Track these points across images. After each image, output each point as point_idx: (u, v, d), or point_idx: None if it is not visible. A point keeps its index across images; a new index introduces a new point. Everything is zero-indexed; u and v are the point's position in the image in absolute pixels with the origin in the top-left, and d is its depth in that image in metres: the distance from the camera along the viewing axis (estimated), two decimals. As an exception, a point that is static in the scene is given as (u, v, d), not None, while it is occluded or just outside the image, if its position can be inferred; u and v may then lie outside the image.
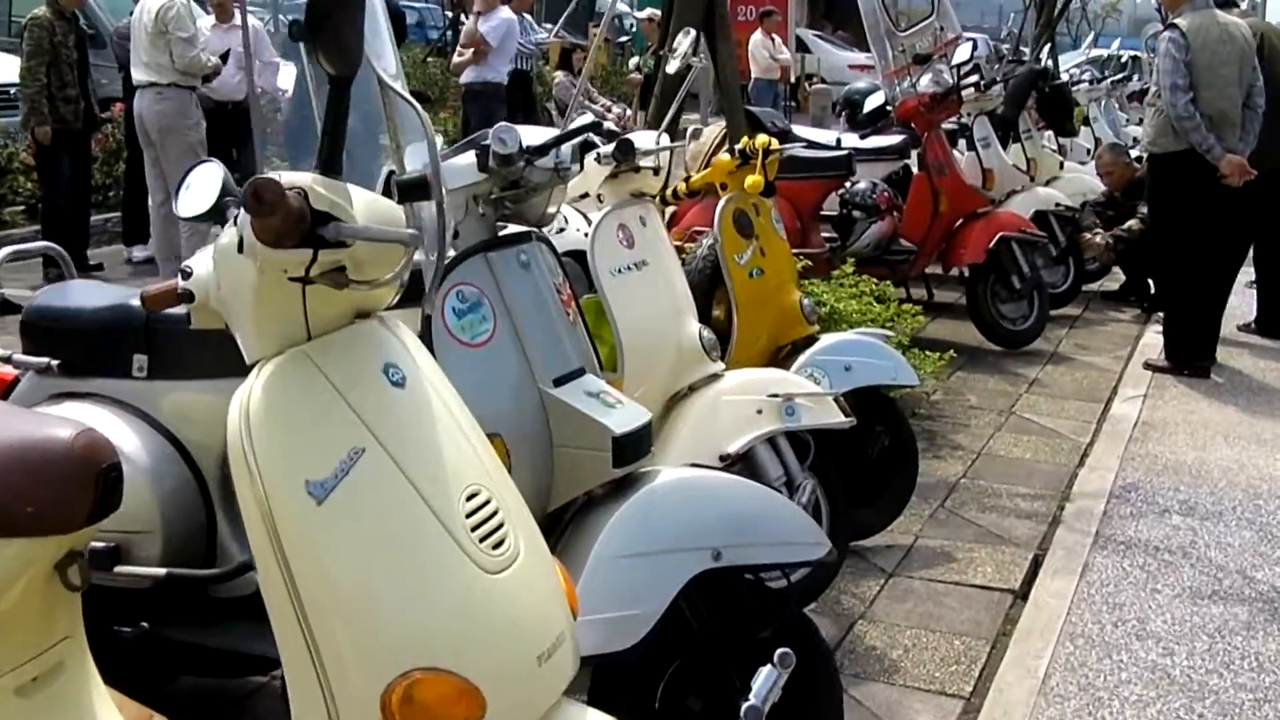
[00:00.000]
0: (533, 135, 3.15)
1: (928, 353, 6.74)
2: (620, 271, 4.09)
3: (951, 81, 8.25)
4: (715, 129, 8.48)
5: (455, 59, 11.57)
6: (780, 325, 5.01)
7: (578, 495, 3.14)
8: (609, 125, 15.50)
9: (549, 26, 26.99)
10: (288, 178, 2.02)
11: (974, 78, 9.10)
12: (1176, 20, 7.68)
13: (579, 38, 27.23)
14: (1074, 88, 12.73)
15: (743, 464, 4.16)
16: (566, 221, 4.75)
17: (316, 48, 1.94)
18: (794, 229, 7.94)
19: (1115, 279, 10.28)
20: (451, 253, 3.06)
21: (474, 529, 2.19)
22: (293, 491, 2.05)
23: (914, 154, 8.72)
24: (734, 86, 6.53)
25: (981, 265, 8.14)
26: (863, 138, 8.80)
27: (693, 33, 5.15)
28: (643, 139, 4.34)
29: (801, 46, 26.34)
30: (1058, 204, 9.41)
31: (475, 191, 3.18)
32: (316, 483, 2.06)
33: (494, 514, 2.24)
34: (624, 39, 32.39)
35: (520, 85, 15.58)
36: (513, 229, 3.30)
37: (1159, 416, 7.03)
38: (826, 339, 4.99)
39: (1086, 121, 12.97)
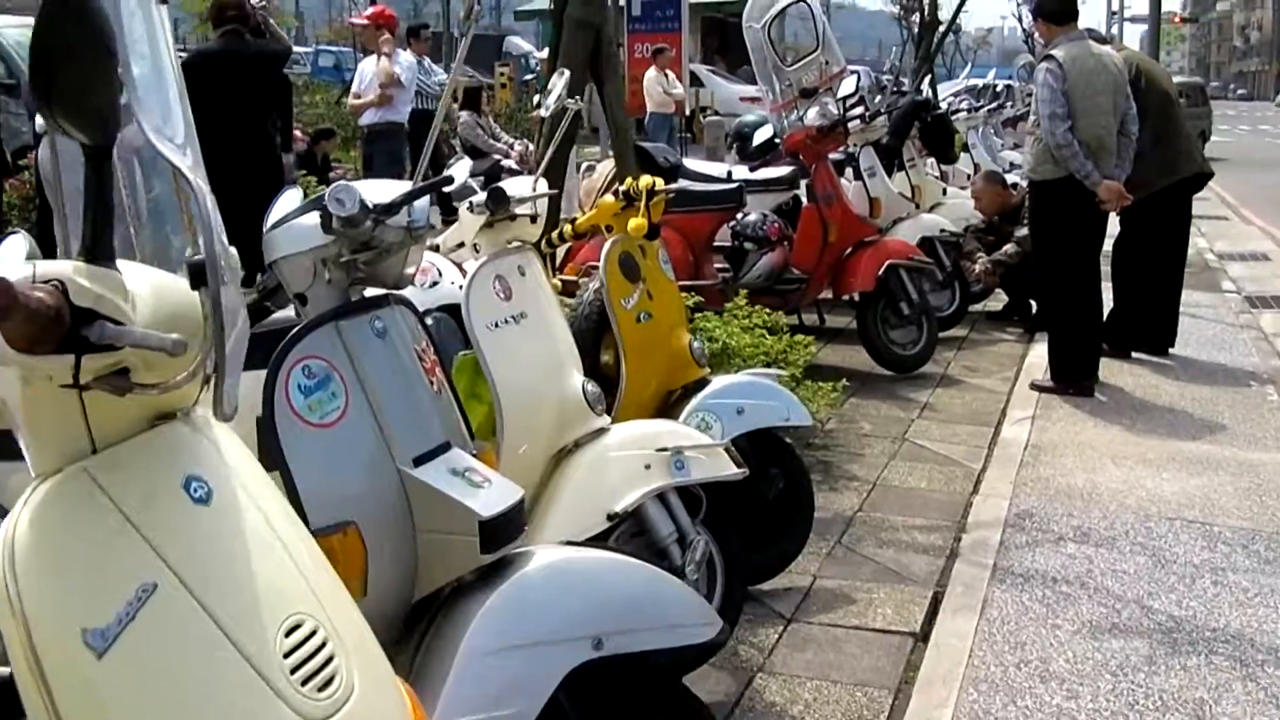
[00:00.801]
0: (379, 192, 2.71)
1: (820, 384, 6.37)
2: (497, 325, 3.64)
3: (837, 114, 7.89)
4: (608, 164, 8.07)
5: (352, 100, 11.04)
6: (671, 370, 4.60)
7: (447, 582, 2.69)
8: (510, 164, 15.12)
9: (465, 69, 26.51)
10: (43, 268, 1.57)
11: (859, 110, 8.77)
12: (1053, 51, 7.38)
13: (486, 77, 26.80)
14: (953, 116, 12.47)
15: (632, 522, 3.75)
16: (440, 275, 4.29)
17: (53, 112, 1.49)
18: (687, 262, 7.57)
19: (999, 300, 9.99)
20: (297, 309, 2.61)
21: (294, 669, 1.74)
22: (67, 643, 1.59)
23: (803, 184, 8.35)
24: (623, 125, 6.11)
25: (871, 293, 7.78)
26: (752, 170, 8.42)
27: (567, 74, 4.72)
28: (517, 185, 3.92)
29: (695, 80, 26.03)
30: (942, 230, 9.10)
31: (322, 255, 2.72)
32: (96, 631, 1.60)
33: (321, 647, 1.79)
34: (528, 77, 32.01)
35: (425, 124, 15.08)
36: (370, 292, 2.85)
37: (1048, 439, 6.69)
38: (718, 382, 4.59)
39: (966, 148, 12.71)
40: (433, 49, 29.18)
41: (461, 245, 4.25)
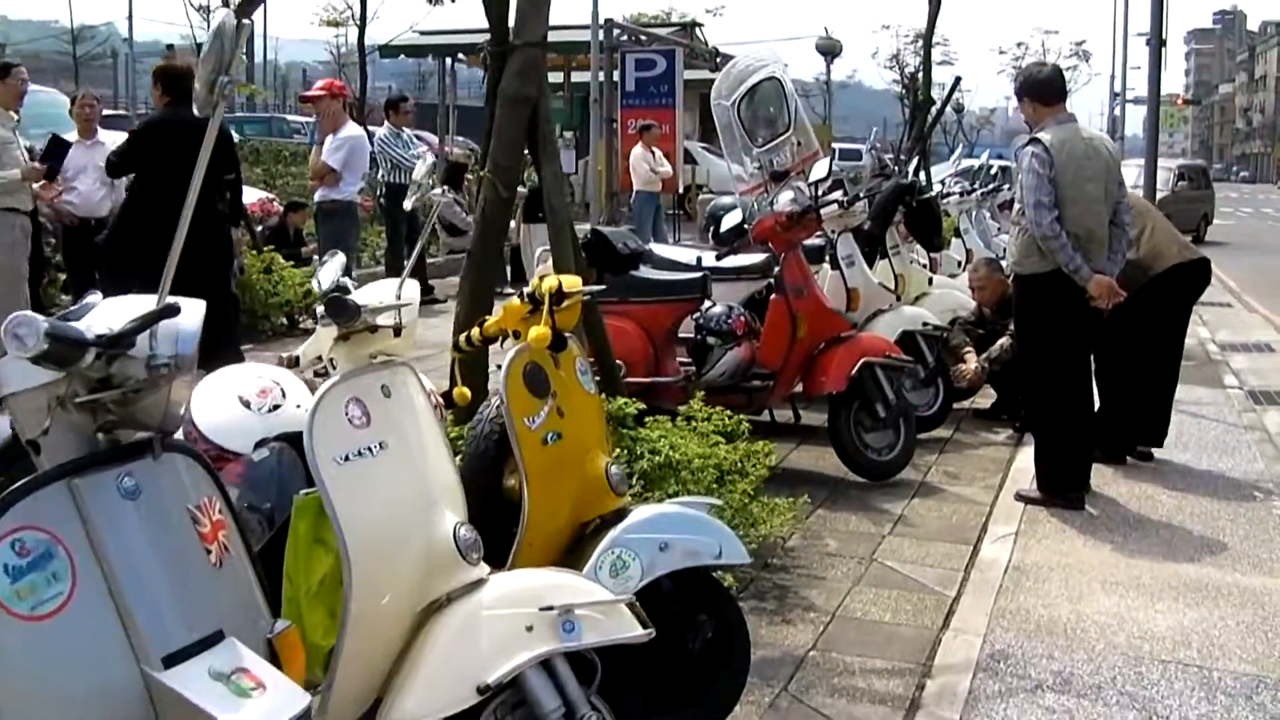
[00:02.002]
0: (114, 315, 2.08)
1: (779, 500, 5.73)
2: (348, 459, 3.00)
3: (809, 199, 7.28)
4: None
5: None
6: (584, 498, 3.96)
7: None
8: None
9: (460, 139, 26.14)
10: None
11: (838, 194, 8.18)
12: (1040, 134, 6.80)
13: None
14: (944, 199, 11.89)
15: (512, 691, 3.09)
16: (284, 395, 3.64)
17: None
18: (646, 356, 6.99)
19: (987, 395, 9.32)
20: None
21: None
22: None
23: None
24: (563, 217, 5.50)
25: (844, 394, 7.14)
26: (719, 258, 7.81)
27: (430, 159, 4.13)
28: (377, 291, 3.30)
29: (690, 158, 25.57)
30: (925, 323, 8.47)
31: (55, 393, 2.09)
32: None
33: None
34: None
35: (401, 200, 14.53)
36: (137, 435, 2.22)
37: (1031, 560, 6.03)
38: (640, 512, 3.94)
39: (958, 233, 12.11)
40: (422, 120, 28.87)
41: (319, 361, 3.62)
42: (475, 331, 4.13)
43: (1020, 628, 5.20)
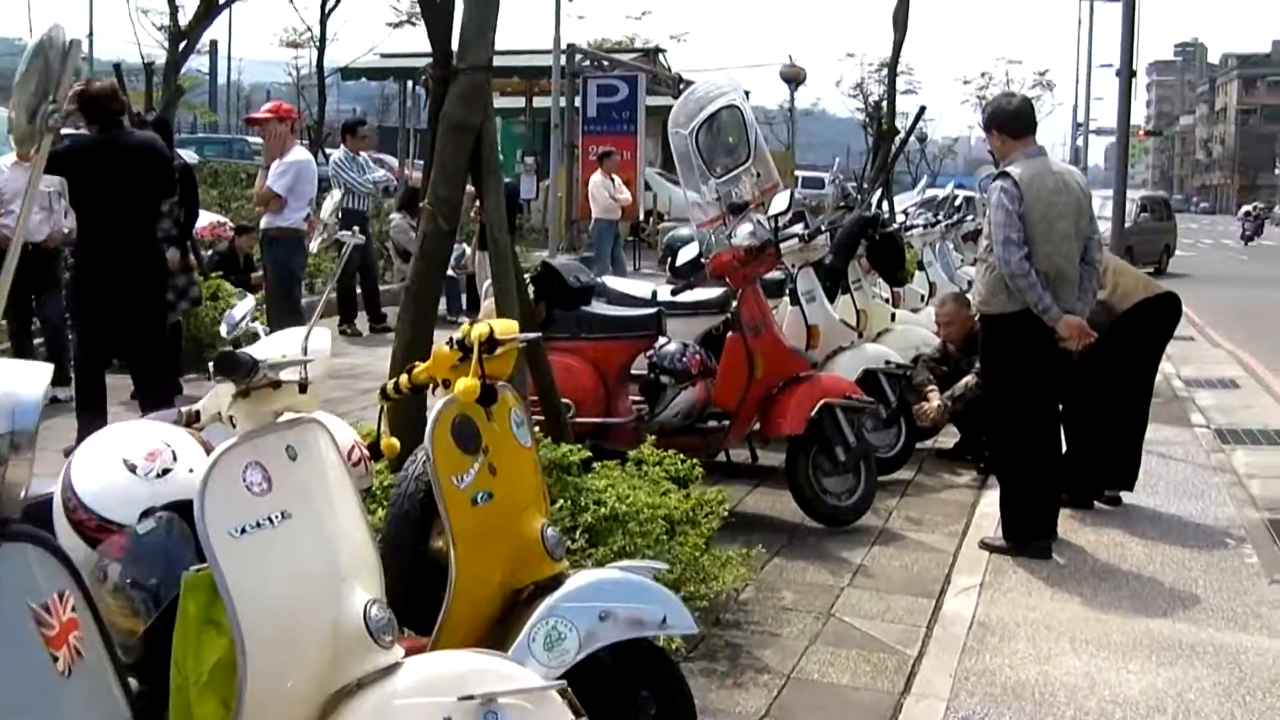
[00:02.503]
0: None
1: (732, 553, 5.44)
2: (245, 530, 2.69)
3: (768, 233, 7.00)
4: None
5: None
6: (517, 562, 3.64)
7: None
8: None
9: (381, 158, 25.77)
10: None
11: (798, 228, 7.91)
12: (1009, 169, 6.54)
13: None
14: (907, 231, 11.63)
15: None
16: (175, 458, 3.29)
17: None
18: (597, 396, 6.68)
19: (951, 434, 9.04)
20: None
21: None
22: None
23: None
24: (504, 245, 5.19)
25: (802, 436, 6.85)
26: (675, 292, 7.51)
27: (336, 195, 3.82)
28: (282, 342, 2.99)
29: (647, 185, 25.29)
30: (888, 361, 8.20)
31: None
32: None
33: None
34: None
35: (357, 225, 14.21)
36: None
37: (996, 615, 5.75)
38: (578, 579, 3.63)
39: (921, 266, 11.85)
40: (384, 144, 28.51)
41: (218, 418, 3.29)
42: (404, 378, 3.81)
43: (986, 691, 4.92)
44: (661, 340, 7.06)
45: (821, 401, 6.79)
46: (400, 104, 31.28)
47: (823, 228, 8.05)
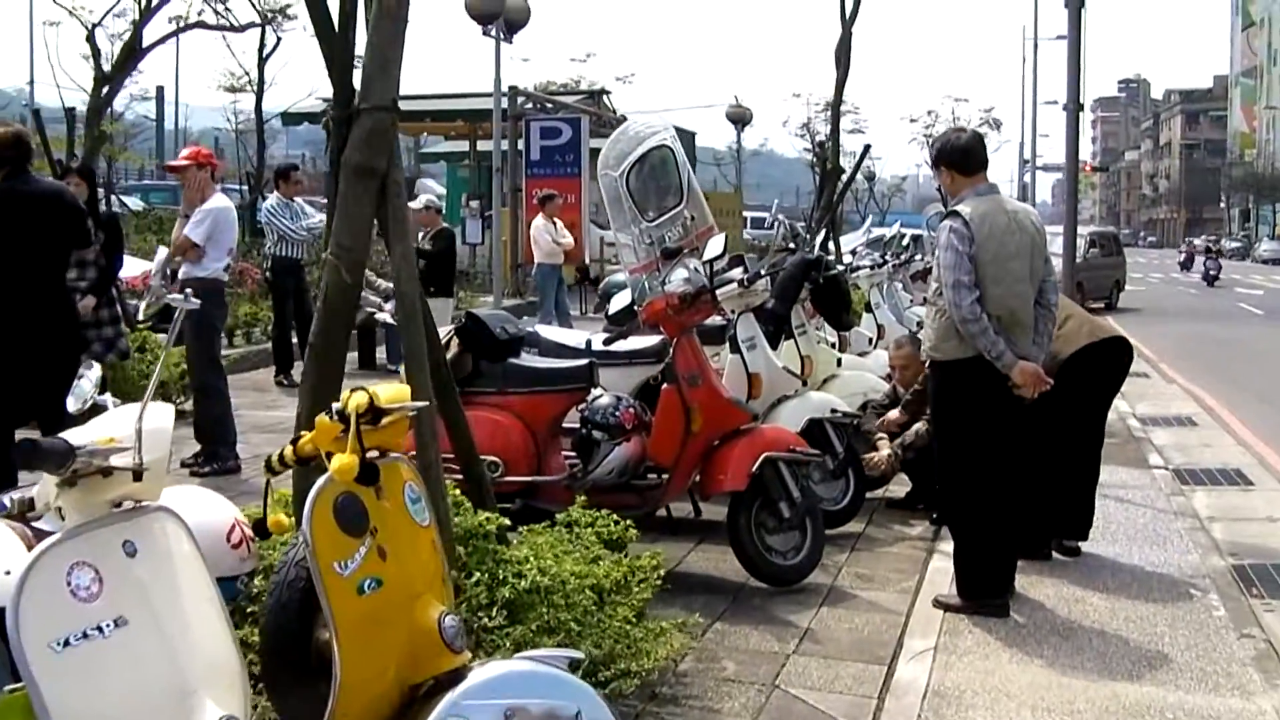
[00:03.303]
0: None
1: (666, 623, 5.05)
2: (69, 643, 2.30)
3: (704, 278, 6.64)
4: (440, 334, 6.80)
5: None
6: (412, 655, 3.25)
7: None
8: (385, 316, 13.81)
9: (314, 200, 25.34)
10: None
11: (737, 272, 7.56)
12: (959, 207, 6.22)
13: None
14: (853, 273, 11.34)
15: None
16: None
17: None
18: (528, 451, 6.30)
19: (902, 483, 8.70)
20: None
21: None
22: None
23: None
24: (411, 300, 4.80)
25: (744, 492, 6.48)
26: (608, 341, 7.14)
27: (162, 254, 3.45)
28: (111, 423, 2.59)
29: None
30: (834, 410, 7.84)
31: None
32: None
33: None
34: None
35: (291, 273, 13.81)
36: None
37: (952, 681, 5.39)
38: (482, 672, 3.24)
39: (869, 308, 11.54)
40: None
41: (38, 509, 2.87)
42: (288, 449, 3.42)
43: (942, 771, 4.55)
44: (594, 393, 6.69)
45: (763, 455, 6.42)
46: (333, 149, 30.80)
47: (763, 272, 7.70)
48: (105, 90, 12.29)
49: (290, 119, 30.42)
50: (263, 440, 10.19)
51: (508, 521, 4.97)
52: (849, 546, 7.53)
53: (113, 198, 24.99)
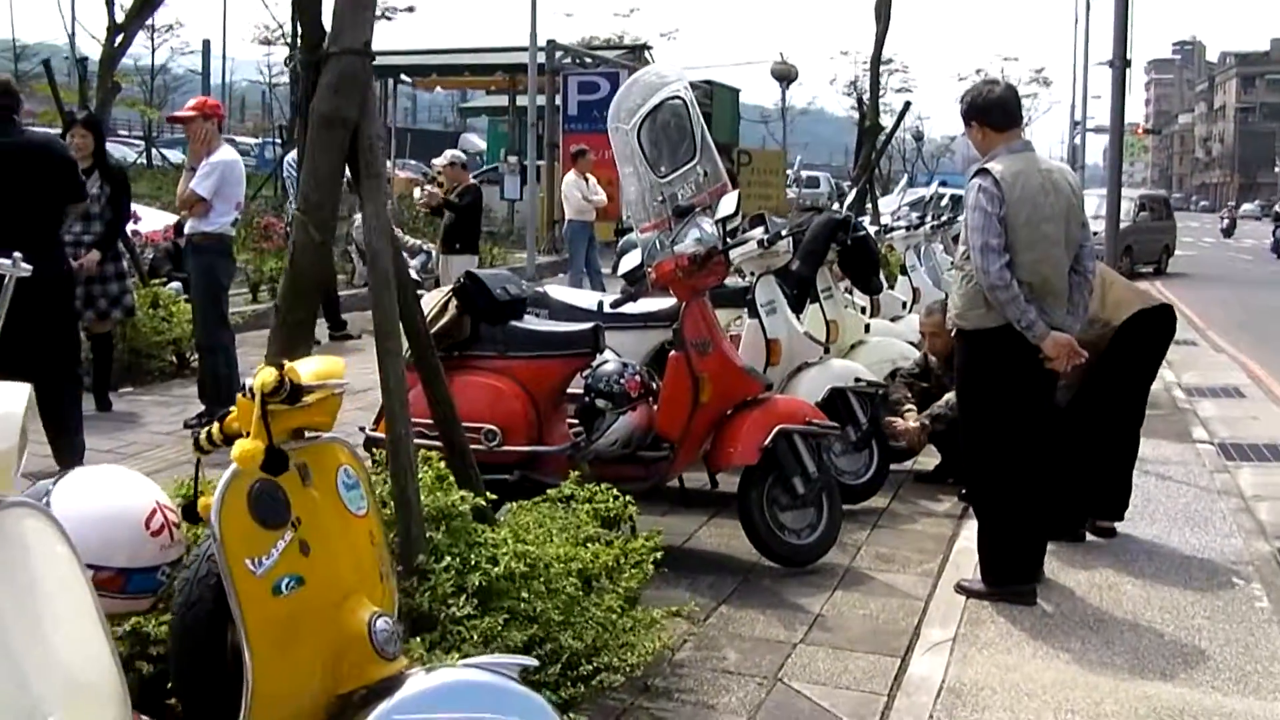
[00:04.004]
0: None
1: (658, 612, 4.66)
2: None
3: (715, 239, 6.20)
4: (438, 295, 6.43)
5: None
6: (341, 662, 2.87)
7: None
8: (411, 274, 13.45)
9: (412, 163, 25.00)
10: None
11: (758, 231, 7.13)
12: (989, 165, 5.74)
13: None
14: (889, 234, 10.85)
15: None
16: None
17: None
18: (528, 420, 5.92)
19: (932, 454, 8.25)
20: None
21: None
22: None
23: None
24: (384, 262, 4.38)
25: (756, 466, 6.06)
26: (617, 303, 6.71)
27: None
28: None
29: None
30: (858, 379, 7.40)
31: None
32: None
33: None
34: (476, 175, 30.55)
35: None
36: None
37: (970, 677, 4.97)
38: (419, 682, 2.86)
39: (904, 270, 11.05)
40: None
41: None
42: (215, 428, 3.04)
43: (952, 781, 4.14)
44: (600, 359, 6.28)
45: (777, 428, 6.00)
46: (381, 102, 30.45)
47: (782, 233, 7.23)
48: (119, 39, 11.91)
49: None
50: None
51: (484, 502, 4.57)
52: (871, 524, 7.11)
53: (125, 150, 24.73)
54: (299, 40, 4.60)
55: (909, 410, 7.67)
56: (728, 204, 6.09)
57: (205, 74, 67.07)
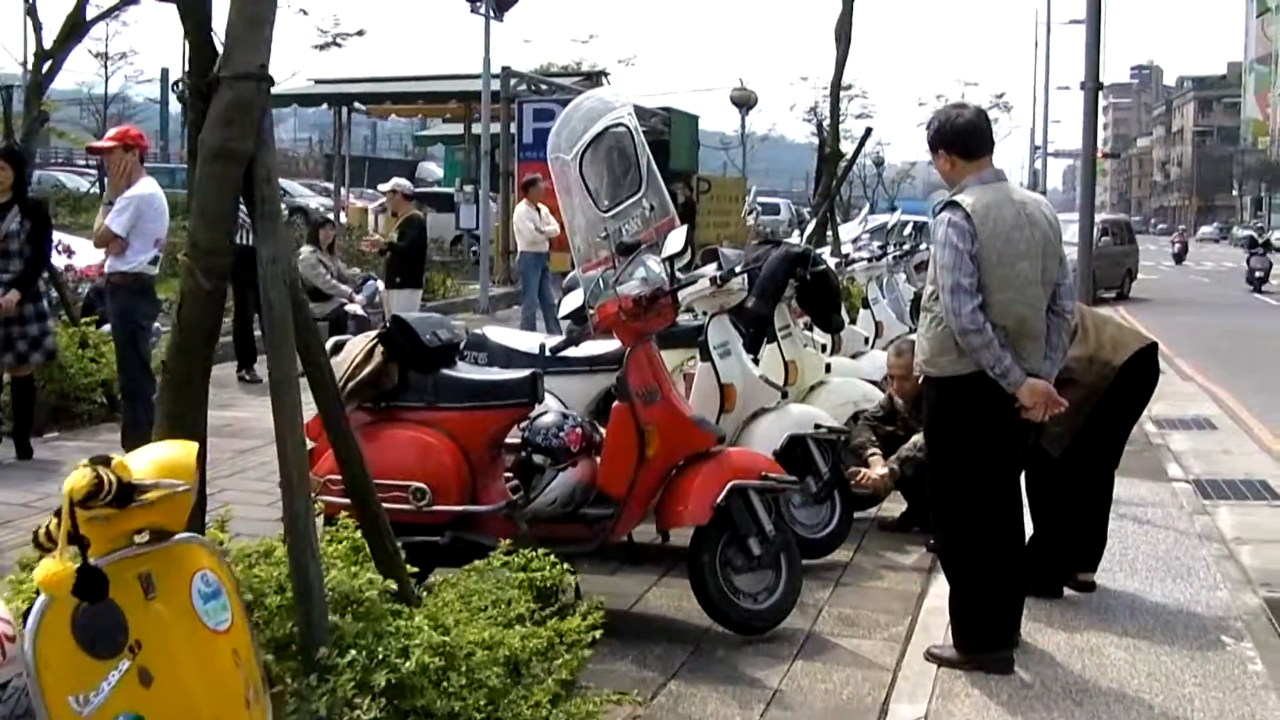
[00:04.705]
0: None
1: (595, 697, 4.18)
2: None
3: (662, 278, 5.72)
4: (360, 342, 5.93)
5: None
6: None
7: None
8: (355, 308, 12.95)
9: (327, 187, 24.43)
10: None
11: (710, 268, 6.67)
12: (959, 197, 5.28)
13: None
14: (849, 266, 10.42)
15: None
16: None
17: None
18: (461, 477, 5.43)
19: (897, 499, 7.78)
20: None
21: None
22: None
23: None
24: (281, 312, 3.88)
25: (707, 526, 5.58)
26: (555, 350, 6.23)
27: None
28: None
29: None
30: (818, 425, 6.93)
31: None
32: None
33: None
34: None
35: (253, 263, 12.83)
36: None
37: (944, 763, 4.49)
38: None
39: (866, 303, 10.61)
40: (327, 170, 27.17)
41: None
42: (54, 522, 2.53)
43: None
44: (539, 409, 5.79)
45: (730, 484, 5.51)
46: (335, 131, 29.89)
47: (736, 270, 6.76)
48: (47, 66, 11.38)
49: (279, 101, 29.43)
50: (214, 444, 9.32)
51: (398, 582, 4.06)
52: (833, 581, 6.63)
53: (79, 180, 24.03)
54: (188, 64, 4.06)
55: (874, 455, 7.21)
56: (675, 241, 5.60)
57: (164, 102, 66.31)
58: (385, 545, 4.30)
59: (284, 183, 39.69)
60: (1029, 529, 6.00)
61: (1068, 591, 6.41)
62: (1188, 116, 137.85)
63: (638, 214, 5.94)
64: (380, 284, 14.33)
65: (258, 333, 12.93)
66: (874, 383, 8.34)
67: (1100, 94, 11.91)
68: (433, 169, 41.42)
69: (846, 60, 13.29)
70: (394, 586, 3.96)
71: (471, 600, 4.39)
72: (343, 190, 27.90)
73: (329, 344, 6.17)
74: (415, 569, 4.53)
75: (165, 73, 64.60)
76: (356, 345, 5.83)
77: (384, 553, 4.27)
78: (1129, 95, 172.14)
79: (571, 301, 7.09)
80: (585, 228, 5.95)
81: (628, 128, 6.00)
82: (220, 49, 3.92)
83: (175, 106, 67.24)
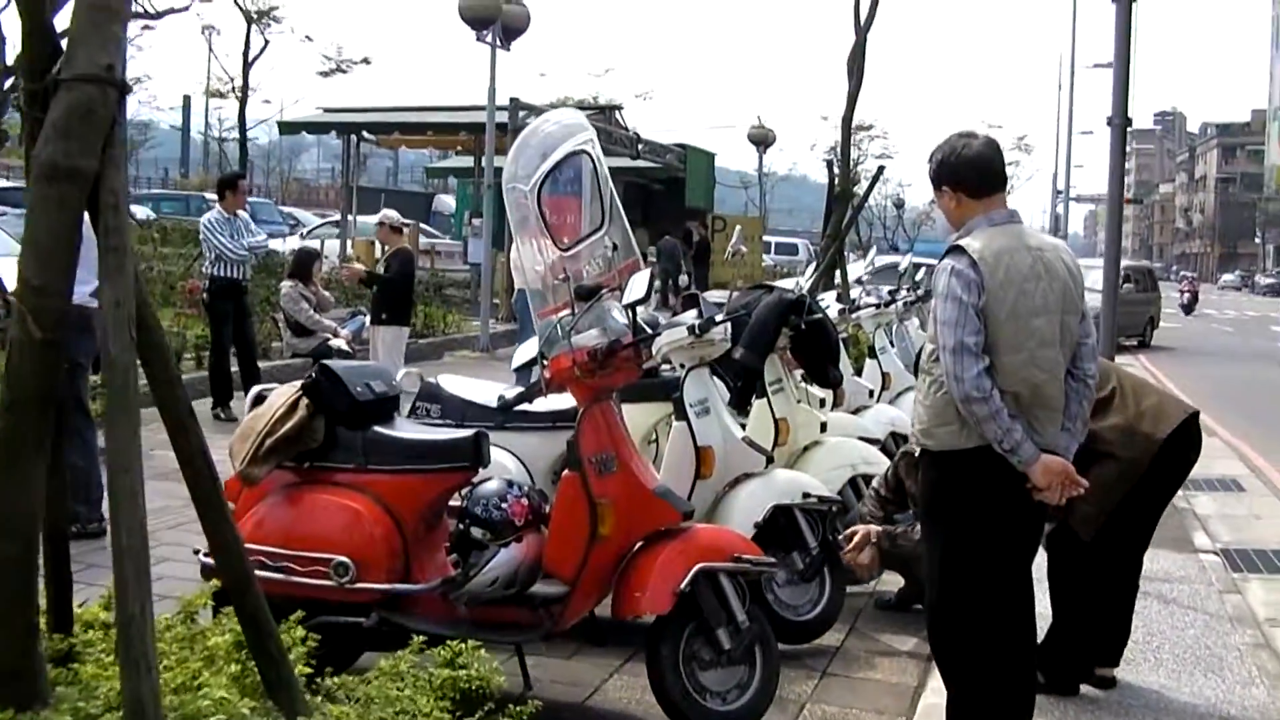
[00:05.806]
0: None
1: None
2: None
3: (624, 328, 4.97)
4: (286, 391, 5.21)
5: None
6: None
7: None
8: (339, 344, 12.23)
9: (325, 213, 23.84)
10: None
11: (689, 315, 5.94)
12: (964, 242, 4.50)
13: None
14: (854, 313, 9.67)
15: None
16: None
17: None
18: (390, 550, 4.70)
19: (894, 579, 7.00)
20: None
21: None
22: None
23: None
24: (122, 371, 3.14)
25: (669, 616, 4.81)
26: (518, 400, 5.51)
27: None
28: None
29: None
30: (807, 494, 6.14)
31: None
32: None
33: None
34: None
35: (230, 295, 12.21)
36: None
37: None
38: None
39: (873, 352, 9.83)
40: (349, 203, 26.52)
41: None
42: None
43: None
44: (481, 474, 5.04)
45: (697, 567, 4.74)
46: (344, 159, 29.31)
47: (716, 319, 6.00)
48: (9, 83, 10.77)
49: (287, 128, 28.97)
50: (167, 489, 8.58)
51: (247, 712, 3.30)
52: (819, 670, 5.85)
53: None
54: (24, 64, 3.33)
55: (855, 531, 6.28)
56: (638, 285, 4.82)
57: (185, 129, 66.29)
58: (268, 649, 3.55)
59: (295, 211, 39.26)
60: (1046, 617, 5.24)
61: (1085, 689, 5.64)
62: (1211, 163, 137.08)
63: (599, 253, 5.20)
64: (365, 319, 13.67)
65: (235, 368, 12.30)
66: (877, 442, 7.57)
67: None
68: (449, 201, 40.87)
69: (859, 95, 12.61)
70: (245, 713, 3.20)
71: (373, 707, 3.64)
72: (349, 217, 27.23)
73: (251, 394, 5.48)
74: (330, 660, 3.82)
75: (187, 100, 64.57)
76: (280, 396, 5.11)
77: (267, 658, 3.53)
78: (1151, 141, 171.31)
79: (524, 353, 6.37)
80: (543, 268, 5.22)
81: (591, 155, 5.27)
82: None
83: (197, 134, 67.18)
